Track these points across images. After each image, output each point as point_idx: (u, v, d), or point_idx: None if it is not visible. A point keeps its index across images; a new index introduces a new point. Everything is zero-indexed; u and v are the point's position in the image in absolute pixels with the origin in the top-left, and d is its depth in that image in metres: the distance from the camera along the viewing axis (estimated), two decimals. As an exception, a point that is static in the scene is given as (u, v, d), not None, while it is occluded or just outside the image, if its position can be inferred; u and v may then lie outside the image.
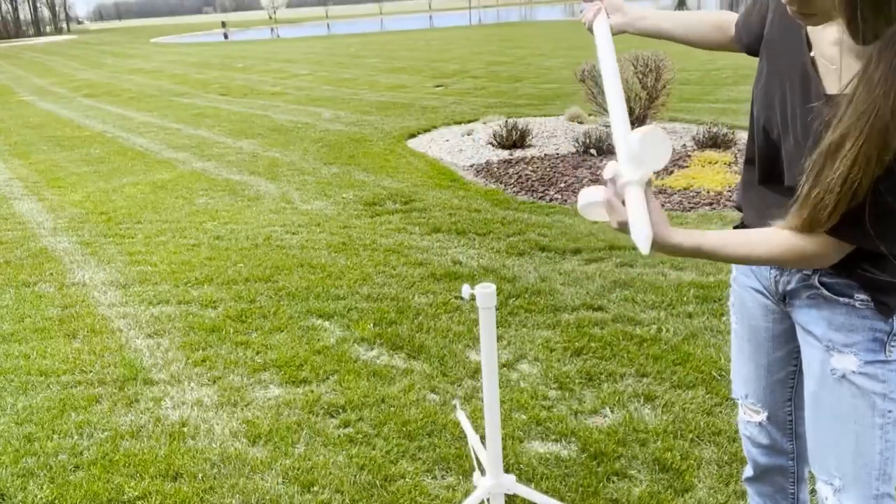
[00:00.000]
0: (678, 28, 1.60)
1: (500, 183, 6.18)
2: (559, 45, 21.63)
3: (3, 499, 2.40)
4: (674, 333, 3.26)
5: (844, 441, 1.36)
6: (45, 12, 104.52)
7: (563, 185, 5.95)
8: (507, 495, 1.98)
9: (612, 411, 2.73)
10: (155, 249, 4.86)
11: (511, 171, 6.51)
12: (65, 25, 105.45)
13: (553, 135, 7.97)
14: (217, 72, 19.98)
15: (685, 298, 3.61)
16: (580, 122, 8.60)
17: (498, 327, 3.43)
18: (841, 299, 1.32)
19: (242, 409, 2.86)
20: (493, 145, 7.54)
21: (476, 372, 3.04)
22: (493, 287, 1.73)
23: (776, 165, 1.35)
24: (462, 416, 2.28)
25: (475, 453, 2.08)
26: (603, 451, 2.48)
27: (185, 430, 2.74)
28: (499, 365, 3.07)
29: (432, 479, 2.40)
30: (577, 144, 7.10)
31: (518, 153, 7.21)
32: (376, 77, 15.97)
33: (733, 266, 1.60)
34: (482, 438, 1.95)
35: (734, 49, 1.53)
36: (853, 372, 1.32)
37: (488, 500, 1.91)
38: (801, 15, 1.13)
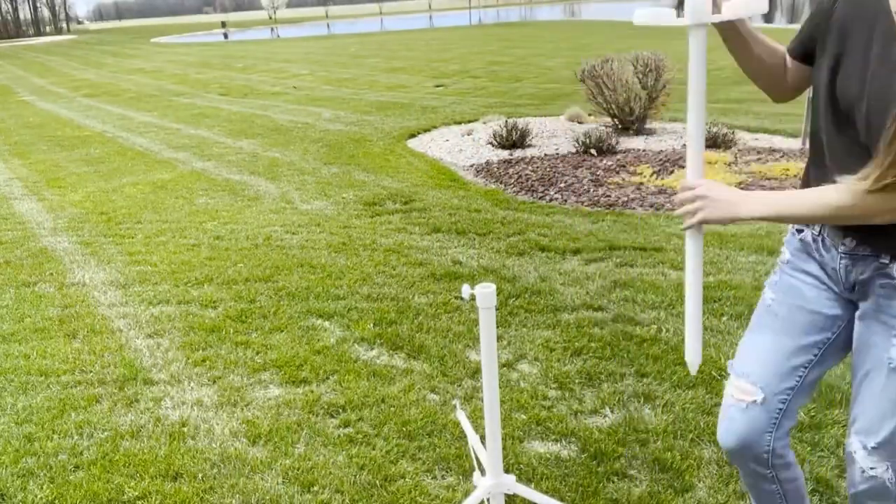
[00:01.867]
0: (763, 47, 1.54)
1: (500, 183, 6.18)
2: (559, 45, 21.63)
3: (3, 499, 2.40)
4: (674, 333, 3.26)
5: (890, 418, 1.41)
6: (45, 12, 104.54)
7: (563, 185, 5.95)
8: (507, 495, 1.98)
9: (612, 411, 2.73)
10: (155, 249, 4.86)
11: (511, 171, 6.51)
12: (65, 25, 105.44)
13: (553, 135, 7.97)
14: (217, 72, 19.98)
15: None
16: (580, 122, 8.60)
17: (498, 327, 3.43)
18: None
19: (242, 409, 2.86)
20: (493, 145, 7.54)
21: (476, 372, 3.04)
22: (493, 287, 1.73)
23: (845, 147, 1.36)
24: (462, 416, 2.28)
25: (475, 453, 2.08)
26: (603, 451, 2.48)
27: (185, 430, 2.74)
28: (499, 365, 3.07)
29: (432, 479, 2.40)
30: (577, 144, 7.11)
31: (518, 153, 7.21)
32: (376, 77, 15.97)
33: (785, 248, 1.60)
34: (482, 438, 1.95)
35: (794, 83, 1.55)
36: None
37: (488, 500, 1.91)
38: None
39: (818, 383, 1.60)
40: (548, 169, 6.47)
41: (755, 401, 1.56)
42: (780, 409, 1.56)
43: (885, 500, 1.48)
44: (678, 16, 1.35)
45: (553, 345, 3.24)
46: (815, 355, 1.54)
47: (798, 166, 6.00)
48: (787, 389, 1.55)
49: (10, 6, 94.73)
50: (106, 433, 2.74)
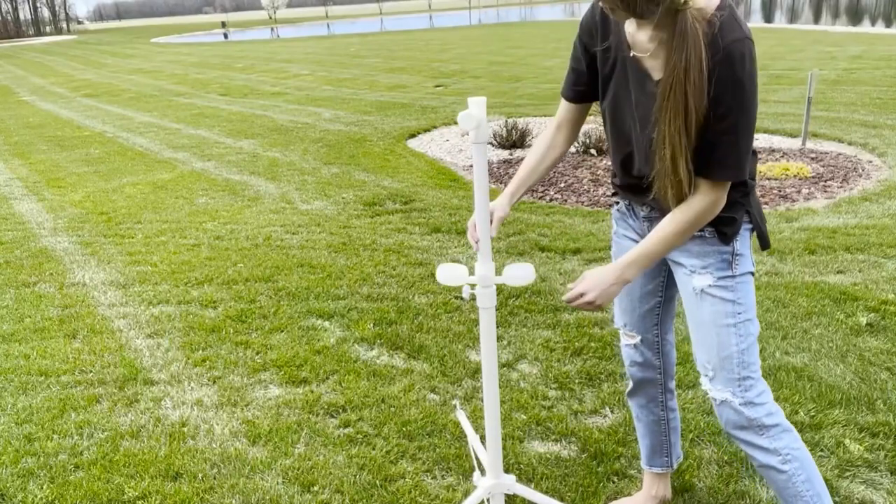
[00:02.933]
0: (536, 160, 1.91)
1: (501, 183, 6.18)
2: (559, 45, 21.63)
3: (3, 499, 2.40)
4: (673, 333, 3.26)
5: (710, 340, 1.73)
6: (45, 12, 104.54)
7: (563, 185, 5.95)
8: (507, 495, 1.98)
9: (612, 411, 2.73)
10: (155, 249, 4.86)
11: (511, 171, 6.51)
12: (65, 25, 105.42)
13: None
14: (217, 72, 19.99)
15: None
16: (580, 122, 8.59)
17: (498, 327, 3.43)
18: (695, 233, 1.68)
19: (242, 409, 2.86)
20: (493, 145, 7.54)
21: (476, 372, 3.04)
22: (494, 287, 1.73)
23: (631, 159, 1.73)
24: (462, 416, 2.28)
25: (475, 453, 2.08)
26: (603, 451, 2.48)
27: (185, 430, 2.74)
28: (499, 365, 3.07)
29: (432, 479, 2.40)
30: (577, 144, 7.10)
31: (518, 153, 7.21)
32: (376, 77, 15.97)
33: (613, 221, 1.97)
34: (482, 438, 1.94)
35: (585, 107, 1.86)
36: (710, 286, 1.71)
37: (488, 500, 1.90)
38: (609, 9, 1.48)
39: (675, 307, 2.02)
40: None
41: (635, 344, 2.04)
42: (657, 341, 2.02)
43: (747, 428, 1.72)
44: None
45: (553, 345, 3.24)
46: (660, 294, 1.97)
47: (798, 166, 6.00)
48: (654, 326, 2.01)
49: (10, 6, 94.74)
50: (106, 433, 2.73)
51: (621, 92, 1.67)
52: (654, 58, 1.56)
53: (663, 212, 1.71)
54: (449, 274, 1.74)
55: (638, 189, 1.75)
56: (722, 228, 1.67)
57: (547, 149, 1.90)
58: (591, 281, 1.68)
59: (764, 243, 1.77)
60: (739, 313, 1.70)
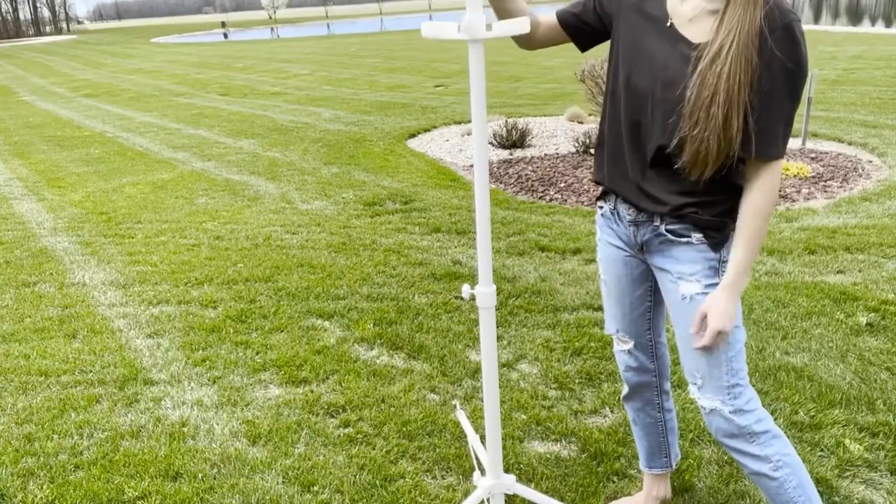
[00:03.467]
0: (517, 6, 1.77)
1: (500, 183, 6.18)
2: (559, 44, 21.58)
3: (3, 499, 2.40)
4: (673, 333, 3.26)
5: (702, 356, 1.71)
6: (45, 12, 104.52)
7: (563, 185, 5.95)
8: (507, 495, 1.98)
9: (612, 411, 2.73)
10: (155, 249, 4.86)
11: (511, 171, 6.51)
12: (65, 25, 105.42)
13: (553, 135, 7.97)
14: (217, 72, 19.98)
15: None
16: (580, 122, 8.60)
17: (498, 327, 3.43)
18: (682, 240, 1.69)
19: (242, 409, 2.86)
20: (493, 145, 7.54)
21: (476, 372, 3.04)
22: (493, 287, 1.73)
23: (640, 130, 1.67)
24: (462, 416, 2.28)
25: (475, 453, 2.08)
26: (603, 451, 2.48)
27: (185, 430, 2.74)
28: (499, 365, 3.07)
29: (432, 479, 2.40)
30: (577, 144, 7.10)
31: (518, 153, 7.21)
32: (376, 77, 15.97)
33: (598, 227, 1.96)
34: (482, 438, 1.94)
35: (562, 35, 1.83)
36: (697, 293, 1.69)
37: (488, 500, 1.91)
38: None
39: (665, 310, 1.97)
40: (548, 169, 6.47)
41: (629, 349, 2.02)
42: (651, 345, 2.01)
43: (737, 436, 1.72)
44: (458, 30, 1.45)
45: (553, 345, 3.24)
46: (650, 300, 1.95)
47: (798, 166, 6.00)
48: (646, 331, 1.99)
49: (10, 6, 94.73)
50: (106, 433, 2.74)
51: (641, 54, 1.64)
52: (694, 24, 1.56)
53: (649, 214, 1.72)
54: (436, 28, 1.51)
55: (627, 176, 1.73)
56: (711, 233, 1.67)
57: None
58: (717, 318, 1.63)
59: None
60: None
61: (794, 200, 5.29)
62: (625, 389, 2.13)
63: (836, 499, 2.20)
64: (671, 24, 1.59)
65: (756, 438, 1.71)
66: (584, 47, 1.86)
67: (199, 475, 2.46)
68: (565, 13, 1.82)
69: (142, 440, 2.69)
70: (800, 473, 1.75)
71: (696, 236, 1.67)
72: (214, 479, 2.44)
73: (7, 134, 10.75)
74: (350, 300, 3.83)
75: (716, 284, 1.68)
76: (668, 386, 2.11)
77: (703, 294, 1.68)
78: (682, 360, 1.79)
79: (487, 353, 1.78)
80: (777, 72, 1.48)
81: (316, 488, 2.37)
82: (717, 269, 1.68)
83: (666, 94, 1.58)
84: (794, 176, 5.83)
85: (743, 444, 1.72)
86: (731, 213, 1.65)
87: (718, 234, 1.66)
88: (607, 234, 1.91)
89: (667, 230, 1.71)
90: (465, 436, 2.17)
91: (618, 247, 1.89)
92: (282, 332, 3.51)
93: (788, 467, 1.73)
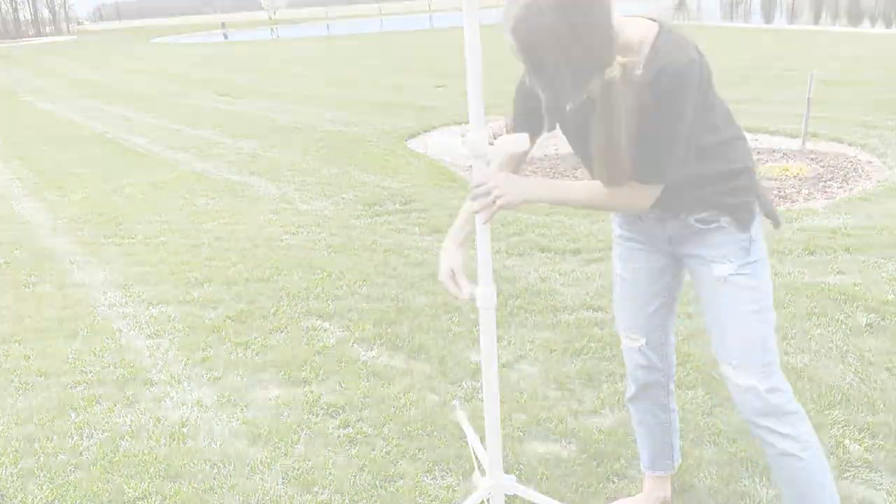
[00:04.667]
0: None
1: (500, 183, 6.17)
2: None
3: (3, 499, 2.40)
4: (675, 336, 3.26)
5: (731, 327, 1.75)
6: (45, 12, 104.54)
7: (563, 185, 5.94)
8: (507, 495, 1.98)
9: (612, 411, 2.73)
10: (155, 249, 4.86)
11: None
12: (65, 26, 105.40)
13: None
14: (217, 72, 19.98)
15: (684, 299, 3.58)
16: (580, 123, 8.59)
17: (498, 327, 3.42)
18: (711, 225, 1.74)
19: (242, 410, 2.86)
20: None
21: (476, 372, 3.04)
22: (493, 287, 1.73)
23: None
24: (462, 416, 2.28)
25: (475, 453, 2.07)
26: (603, 451, 2.48)
27: (185, 430, 2.74)
28: (499, 365, 3.07)
29: (432, 479, 2.40)
30: (577, 144, 7.10)
31: (518, 153, 7.20)
32: (376, 77, 15.96)
33: (614, 225, 1.99)
34: (482, 438, 1.94)
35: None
36: (731, 274, 1.73)
37: (488, 500, 1.90)
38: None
39: (676, 308, 2.04)
40: (548, 169, 6.47)
41: (640, 346, 2.03)
42: (662, 343, 2.03)
43: (770, 415, 1.73)
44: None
45: (553, 345, 3.24)
46: (665, 295, 1.98)
47: (798, 166, 6.00)
48: (657, 327, 2.01)
49: (10, 6, 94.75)
50: (106, 433, 2.74)
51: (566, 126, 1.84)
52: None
53: (673, 212, 1.76)
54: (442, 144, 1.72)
55: None
56: (739, 215, 1.71)
57: None
58: (504, 177, 1.72)
59: (775, 221, 1.80)
60: (760, 300, 1.73)
61: (793, 201, 5.29)
62: (630, 390, 2.12)
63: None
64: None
65: (787, 417, 1.73)
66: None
67: (199, 475, 2.46)
68: (520, 125, 1.91)
69: (142, 440, 2.68)
70: (822, 457, 1.78)
71: (725, 219, 1.72)
72: (214, 479, 2.44)
73: (7, 134, 10.75)
74: (350, 300, 3.83)
75: (748, 263, 1.72)
76: (672, 386, 2.13)
77: (737, 275, 1.72)
78: (715, 341, 1.80)
79: (487, 354, 1.78)
80: (654, 113, 1.56)
81: (316, 488, 2.37)
82: (748, 249, 1.73)
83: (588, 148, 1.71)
84: (794, 176, 5.83)
85: (774, 423, 1.74)
86: (751, 193, 1.72)
87: (746, 213, 1.71)
88: (628, 230, 1.95)
89: (695, 220, 1.75)
90: (465, 436, 2.17)
91: (640, 241, 1.92)
92: (282, 332, 3.51)
93: (815, 448, 1.76)
